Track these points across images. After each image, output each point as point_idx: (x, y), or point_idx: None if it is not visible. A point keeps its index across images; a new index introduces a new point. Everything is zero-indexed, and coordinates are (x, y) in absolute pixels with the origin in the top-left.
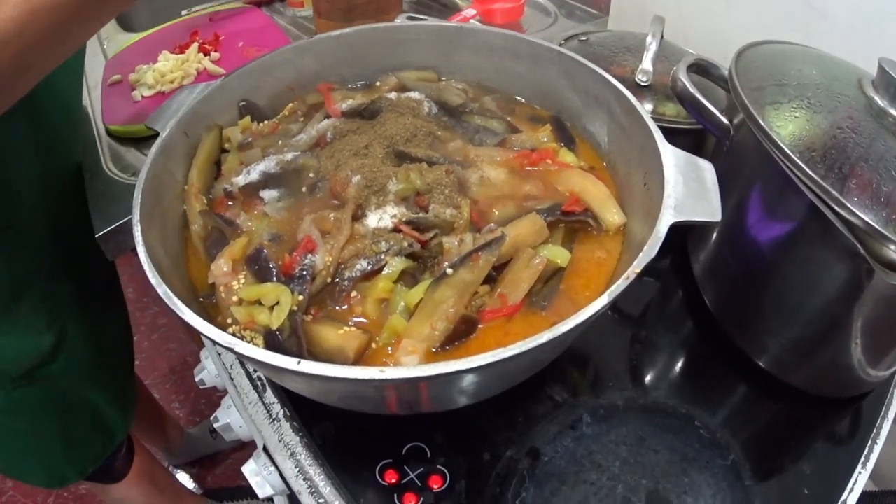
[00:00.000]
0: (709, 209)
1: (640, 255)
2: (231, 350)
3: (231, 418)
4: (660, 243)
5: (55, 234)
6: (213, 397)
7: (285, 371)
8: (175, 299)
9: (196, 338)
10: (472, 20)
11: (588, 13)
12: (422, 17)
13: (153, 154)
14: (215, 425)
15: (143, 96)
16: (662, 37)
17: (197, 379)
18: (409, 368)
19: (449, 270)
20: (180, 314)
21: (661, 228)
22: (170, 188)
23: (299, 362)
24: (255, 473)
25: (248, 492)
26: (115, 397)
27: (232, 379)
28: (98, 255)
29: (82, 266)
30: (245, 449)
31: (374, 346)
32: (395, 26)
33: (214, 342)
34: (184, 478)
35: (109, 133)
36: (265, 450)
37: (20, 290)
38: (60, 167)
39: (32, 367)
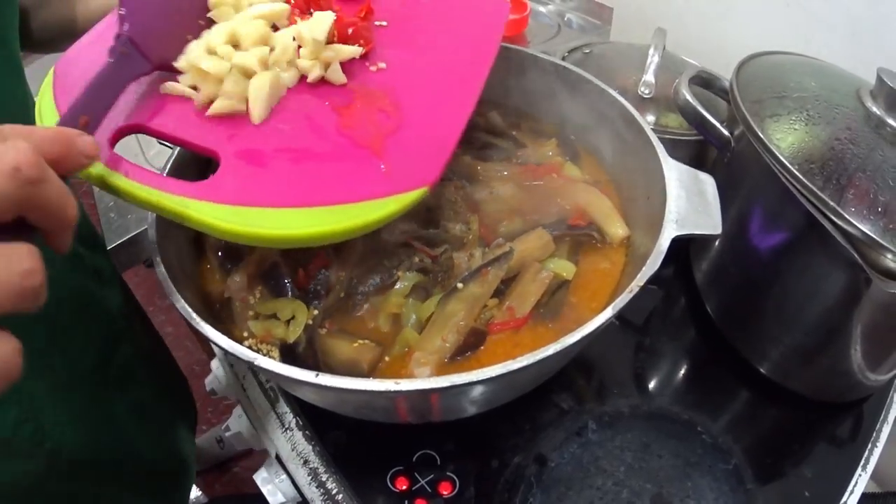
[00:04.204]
0: (710, 223)
1: (644, 268)
2: (251, 363)
3: (242, 427)
4: (662, 257)
5: None
6: (220, 406)
7: (303, 383)
8: (194, 315)
9: (206, 347)
10: None
11: (591, 24)
12: None
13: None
14: (226, 434)
15: None
16: (664, 48)
17: (208, 388)
18: (424, 380)
19: (459, 285)
20: (200, 329)
21: (664, 242)
22: None
23: (317, 375)
24: (267, 481)
25: (256, 499)
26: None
27: (244, 389)
28: (85, 332)
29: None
30: (251, 457)
31: (386, 358)
32: None
33: (235, 356)
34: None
35: None
36: (277, 458)
37: None
38: None
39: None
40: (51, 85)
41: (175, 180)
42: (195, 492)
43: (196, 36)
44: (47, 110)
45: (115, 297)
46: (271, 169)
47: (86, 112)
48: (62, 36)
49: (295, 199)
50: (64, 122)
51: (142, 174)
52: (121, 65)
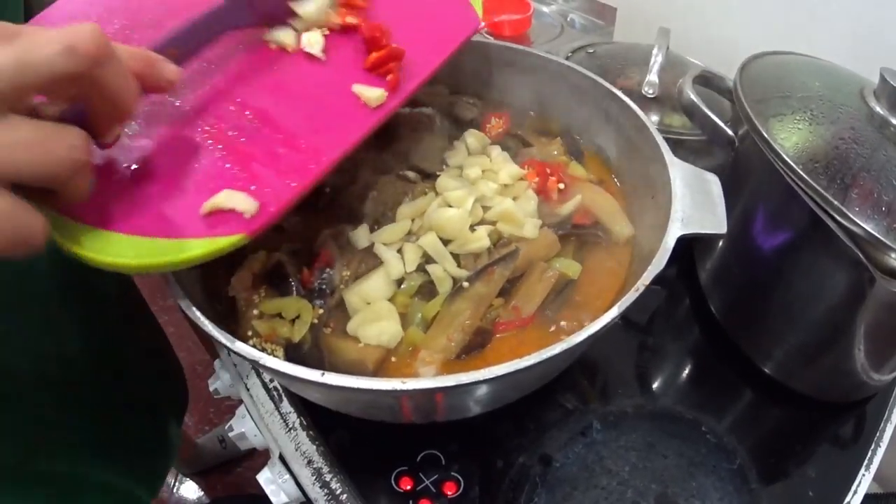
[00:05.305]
0: (715, 222)
1: (650, 267)
2: (256, 363)
3: (246, 427)
4: (668, 256)
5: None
6: (222, 406)
7: (309, 382)
8: (199, 314)
9: (208, 347)
10: (479, 33)
11: (594, 24)
12: None
13: None
14: (230, 434)
15: None
16: (668, 48)
17: (211, 389)
18: (430, 379)
19: (465, 284)
20: (205, 328)
21: (669, 241)
22: None
23: (323, 374)
24: (271, 482)
25: (259, 500)
26: (139, 479)
27: (248, 389)
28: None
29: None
30: (254, 457)
31: (393, 358)
32: None
33: (240, 355)
34: (193, 487)
35: None
36: (281, 458)
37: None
38: None
39: None
40: None
41: None
42: (196, 492)
43: None
44: None
45: (111, 283)
46: (111, 185)
47: (177, 46)
48: None
49: (116, 223)
50: (154, 50)
51: None
52: (231, 9)
